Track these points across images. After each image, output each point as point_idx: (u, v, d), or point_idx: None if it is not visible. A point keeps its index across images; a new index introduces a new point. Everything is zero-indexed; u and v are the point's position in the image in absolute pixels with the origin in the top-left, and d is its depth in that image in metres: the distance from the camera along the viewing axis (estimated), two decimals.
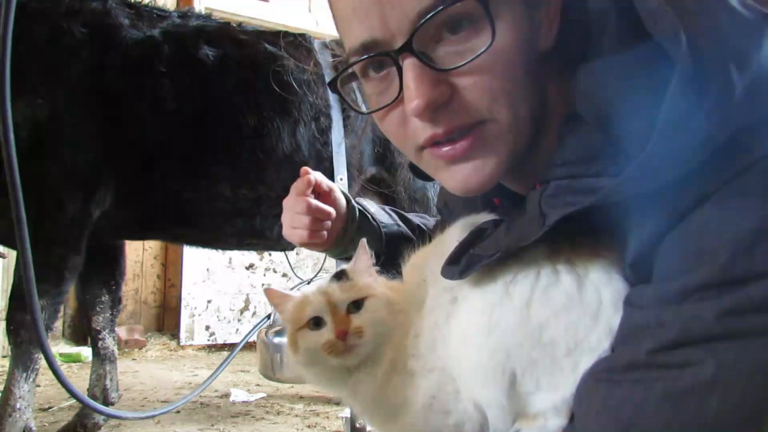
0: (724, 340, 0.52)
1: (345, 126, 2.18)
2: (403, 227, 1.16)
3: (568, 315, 0.61)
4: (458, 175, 0.68)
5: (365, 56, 0.66)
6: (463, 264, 0.65)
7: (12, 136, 1.51)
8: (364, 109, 0.72)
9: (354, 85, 0.70)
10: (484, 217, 0.76)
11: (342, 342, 0.70)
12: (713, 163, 0.54)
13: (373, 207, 1.18)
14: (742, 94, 0.53)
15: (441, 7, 0.60)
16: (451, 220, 1.02)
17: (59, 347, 3.65)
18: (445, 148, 0.66)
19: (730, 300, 0.52)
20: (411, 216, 1.20)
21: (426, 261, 0.76)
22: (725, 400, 0.51)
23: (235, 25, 2.27)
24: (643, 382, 0.55)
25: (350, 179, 2.19)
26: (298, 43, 2.20)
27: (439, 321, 0.70)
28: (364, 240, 0.80)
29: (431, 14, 0.60)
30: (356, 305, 0.72)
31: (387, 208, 1.21)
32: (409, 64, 0.63)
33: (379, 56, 0.65)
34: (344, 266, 0.80)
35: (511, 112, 0.64)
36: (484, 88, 0.63)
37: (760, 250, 0.51)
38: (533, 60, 0.66)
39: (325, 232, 1.09)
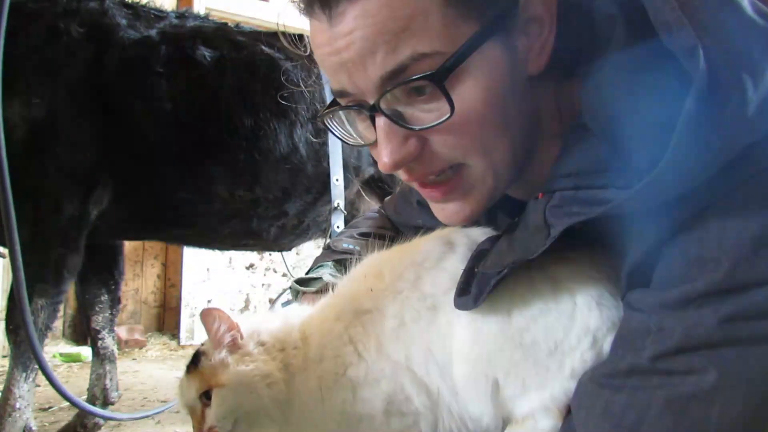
0: (726, 347, 0.52)
1: None
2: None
3: (545, 318, 0.63)
4: (441, 213, 0.72)
5: (344, 103, 0.68)
6: (474, 291, 0.65)
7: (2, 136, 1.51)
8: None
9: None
10: (457, 231, 0.76)
11: None
12: (717, 176, 0.53)
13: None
14: (755, 110, 0.52)
15: (400, 82, 0.61)
16: (400, 222, 1.04)
17: (59, 347, 3.65)
18: (426, 190, 0.70)
19: (732, 306, 0.52)
20: (340, 242, 1.08)
21: (386, 267, 0.74)
22: (727, 408, 0.51)
23: (233, 25, 2.27)
24: (646, 388, 0.55)
25: (348, 180, 2.19)
26: (295, 43, 2.19)
27: (407, 321, 0.70)
28: (206, 310, 0.74)
29: (392, 87, 0.61)
30: (208, 395, 0.72)
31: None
32: (380, 122, 0.64)
33: (355, 108, 0.67)
34: (200, 345, 0.76)
35: (485, 158, 0.66)
36: (454, 144, 0.65)
37: (762, 257, 0.51)
38: (518, 90, 0.65)
39: None
